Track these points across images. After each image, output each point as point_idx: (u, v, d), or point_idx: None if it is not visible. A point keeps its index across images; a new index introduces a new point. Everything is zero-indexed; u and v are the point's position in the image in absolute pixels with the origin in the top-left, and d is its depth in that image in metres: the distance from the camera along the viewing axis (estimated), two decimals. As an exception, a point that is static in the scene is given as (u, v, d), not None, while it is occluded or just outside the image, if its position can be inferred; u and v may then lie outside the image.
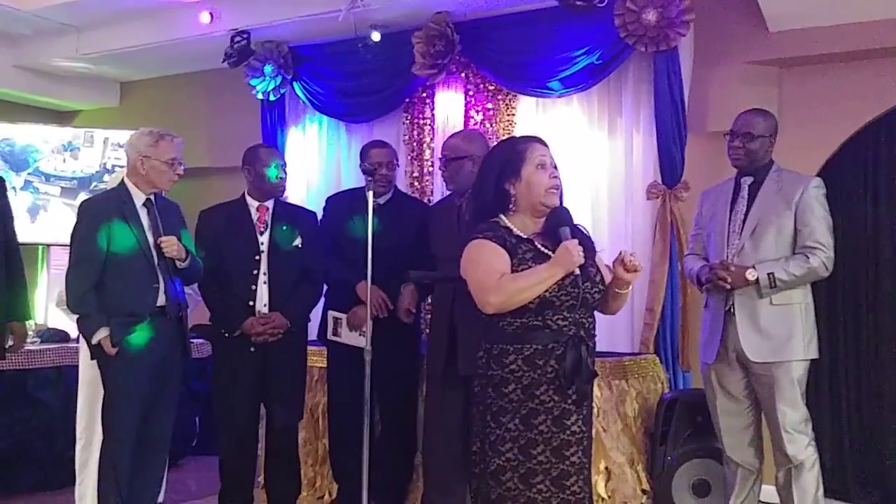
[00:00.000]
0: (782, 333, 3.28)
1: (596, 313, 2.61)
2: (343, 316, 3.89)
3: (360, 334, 3.80)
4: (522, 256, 2.49)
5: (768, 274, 3.24)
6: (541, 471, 2.44)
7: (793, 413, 3.28)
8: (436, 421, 3.54)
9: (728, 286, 3.28)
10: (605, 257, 2.68)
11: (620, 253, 2.49)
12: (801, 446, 3.28)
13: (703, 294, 3.52)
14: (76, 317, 3.42)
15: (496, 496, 2.48)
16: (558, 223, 2.49)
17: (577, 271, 2.42)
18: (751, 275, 3.25)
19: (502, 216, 2.57)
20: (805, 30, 4.09)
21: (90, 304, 3.31)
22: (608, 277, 2.57)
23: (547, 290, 2.42)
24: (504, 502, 2.47)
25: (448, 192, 3.87)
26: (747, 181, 3.42)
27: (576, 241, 2.43)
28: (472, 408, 3.27)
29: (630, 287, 2.55)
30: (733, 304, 3.32)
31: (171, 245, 3.41)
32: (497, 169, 2.59)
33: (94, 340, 3.30)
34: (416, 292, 3.74)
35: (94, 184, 5.58)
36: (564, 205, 2.60)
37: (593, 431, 2.64)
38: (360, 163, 4.01)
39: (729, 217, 3.41)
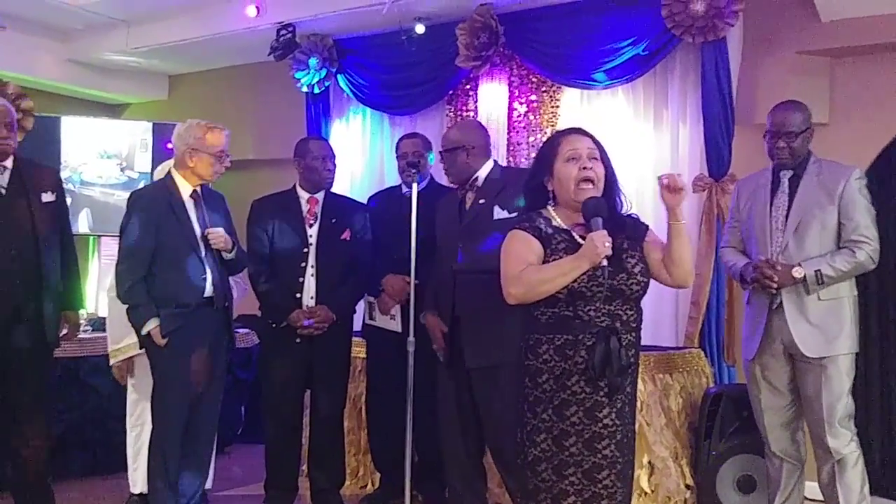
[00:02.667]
0: (833, 328, 3.24)
1: (648, 306, 2.59)
2: (376, 300, 3.94)
3: (390, 318, 3.84)
4: (555, 247, 2.50)
5: (815, 271, 3.19)
6: (572, 463, 2.44)
7: (839, 407, 3.23)
8: (444, 411, 3.51)
9: (775, 286, 3.23)
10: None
11: (660, 178, 2.47)
12: (844, 441, 3.23)
13: (745, 291, 3.46)
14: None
15: (532, 487, 2.49)
16: (592, 214, 2.47)
17: (605, 262, 2.39)
18: (797, 272, 3.20)
19: (549, 207, 2.60)
20: (858, 19, 3.99)
21: (140, 294, 3.38)
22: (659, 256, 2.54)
23: (576, 281, 2.42)
24: (538, 494, 2.48)
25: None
26: (787, 175, 3.34)
27: (603, 232, 2.41)
28: (477, 400, 3.31)
29: (684, 221, 2.49)
30: (781, 301, 3.27)
31: (217, 237, 3.46)
32: (536, 165, 2.66)
33: (144, 331, 3.37)
34: (438, 318, 3.52)
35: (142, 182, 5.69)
36: (610, 195, 2.58)
37: (636, 426, 2.60)
38: (396, 154, 4.10)
39: (770, 213, 3.34)
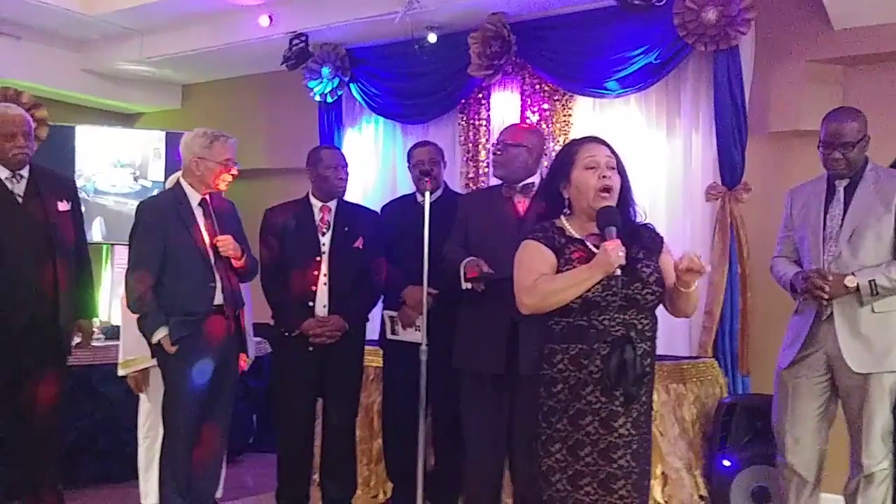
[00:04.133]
0: (884, 342, 3.12)
1: (660, 315, 2.57)
2: (397, 315, 3.92)
3: (416, 330, 3.81)
4: (569, 257, 2.49)
5: (869, 281, 3.07)
6: (588, 473, 2.42)
7: (879, 424, 3.15)
8: (484, 424, 3.42)
9: (826, 297, 3.12)
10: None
11: (683, 255, 2.42)
12: (878, 458, 3.15)
13: (796, 300, 3.33)
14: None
15: (546, 497, 2.47)
16: (606, 223, 2.46)
17: (619, 272, 2.37)
18: (850, 282, 3.09)
19: (562, 217, 2.58)
20: (871, 27, 3.98)
21: (149, 303, 3.38)
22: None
23: (590, 291, 2.41)
24: (552, 503, 2.46)
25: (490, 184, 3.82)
26: (842, 184, 3.24)
27: (617, 241, 2.39)
28: (521, 408, 3.27)
29: (694, 287, 2.47)
30: (832, 312, 3.16)
31: (227, 244, 3.46)
32: (552, 173, 2.65)
33: (154, 339, 3.37)
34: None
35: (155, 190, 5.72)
36: (627, 204, 2.57)
37: (650, 433, 2.57)
38: (408, 164, 4.08)
39: (823, 221, 3.23)
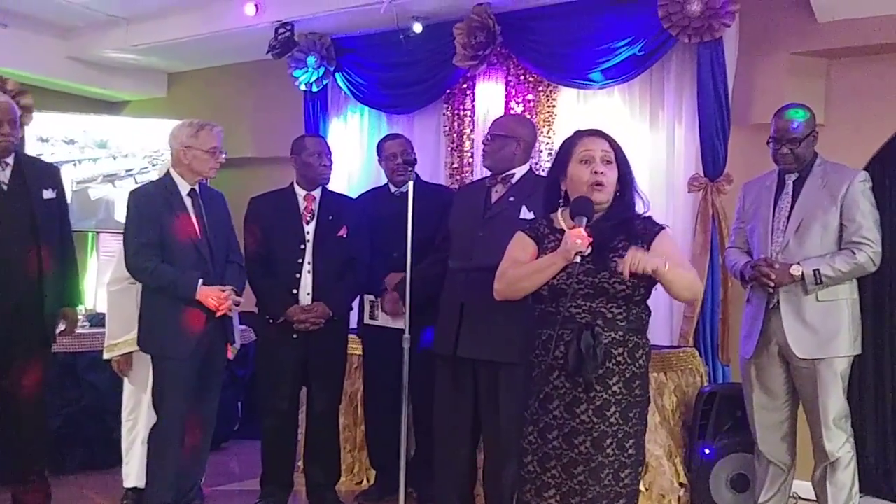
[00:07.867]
0: (828, 329, 3.23)
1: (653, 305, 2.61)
2: (378, 300, 3.95)
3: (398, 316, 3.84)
4: (546, 246, 2.56)
5: (814, 270, 3.19)
6: (554, 455, 2.49)
7: (833, 409, 3.24)
8: (447, 415, 3.45)
9: (772, 284, 3.23)
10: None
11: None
12: (839, 443, 3.24)
13: (745, 289, 3.48)
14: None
15: (519, 478, 2.55)
16: (576, 213, 2.48)
17: (578, 259, 2.40)
18: (795, 271, 3.20)
19: (559, 211, 2.62)
20: (854, 20, 4.00)
21: (167, 271, 3.39)
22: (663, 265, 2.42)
23: (555, 278, 2.47)
24: (524, 484, 2.53)
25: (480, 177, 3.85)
26: (792, 177, 3.35)
27: (578, 230, 2.42)
28: (481, 396, 3.31)
29: (664, 269, 2.36)
30: (778, 300, 3.28)
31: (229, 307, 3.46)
32: (553, 165, 2.70)
33: (199, 295, 3.38)
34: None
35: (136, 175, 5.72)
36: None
37: (629, 426, 2.50)
38: (378, 157, 4.09)
39: (773, 213, 3.35)
